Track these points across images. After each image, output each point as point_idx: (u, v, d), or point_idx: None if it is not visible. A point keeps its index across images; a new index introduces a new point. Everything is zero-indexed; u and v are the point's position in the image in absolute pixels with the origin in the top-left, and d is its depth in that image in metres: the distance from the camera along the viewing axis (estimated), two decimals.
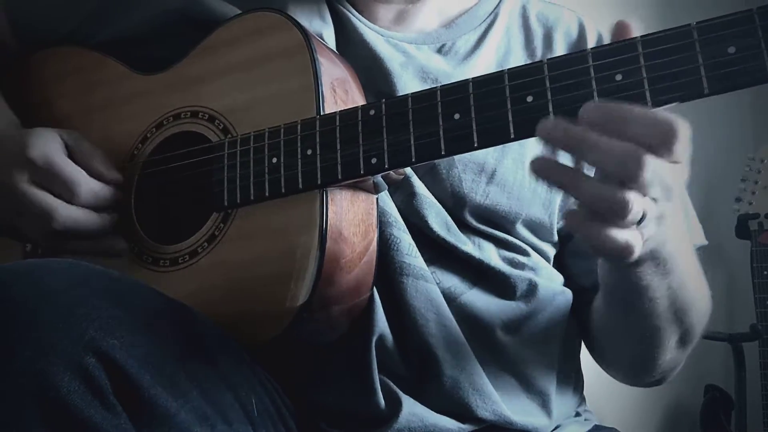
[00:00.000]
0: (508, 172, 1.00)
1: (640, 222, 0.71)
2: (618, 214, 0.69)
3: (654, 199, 0.71)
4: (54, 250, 1.00)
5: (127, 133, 1.03)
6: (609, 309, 0.99)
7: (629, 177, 0.68)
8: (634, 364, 1.07)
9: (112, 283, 0.75)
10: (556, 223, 1.06)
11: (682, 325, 0.96)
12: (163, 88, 1.02)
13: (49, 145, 0.97)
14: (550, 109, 0.75)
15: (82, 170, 0.97)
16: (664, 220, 0.75)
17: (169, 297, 0.80)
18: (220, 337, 0.83)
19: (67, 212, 0.94)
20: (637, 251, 0.72)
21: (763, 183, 2.52)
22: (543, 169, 0.72)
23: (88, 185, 0.96)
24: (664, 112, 0.70)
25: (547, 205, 1.03)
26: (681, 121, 0.68)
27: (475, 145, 0.80)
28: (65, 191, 0.95)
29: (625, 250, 0.71)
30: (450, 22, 1.09)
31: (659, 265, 0.84)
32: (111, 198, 0.98)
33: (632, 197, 0.68)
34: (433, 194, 0.98)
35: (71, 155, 0.98)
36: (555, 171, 0.72)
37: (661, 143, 0.67)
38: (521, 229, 1.03)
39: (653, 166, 0.68)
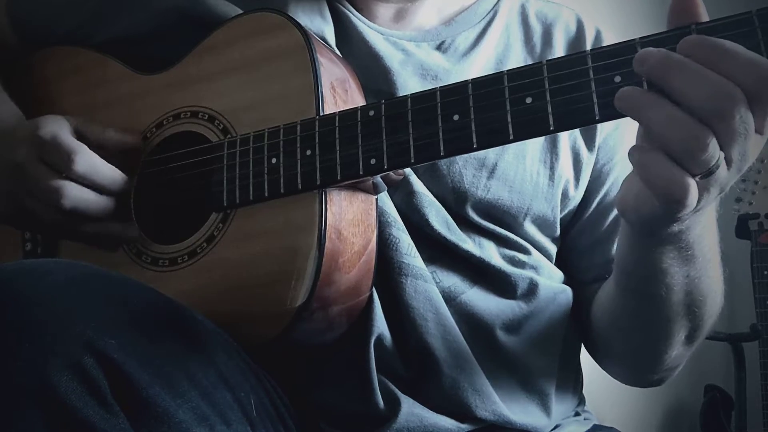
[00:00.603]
0: (509, 167, 1.00)
1: (706, 176, 0.67)
2: (691, 151, 0.65)
3: (728, 162, 0.68)
4: (61, 235, 1.00)
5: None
6: (621, 295, 0.97)
7: (717, 112, 0.64)
8: (638, 359, 1.06)
9: (111, 283, 0.75)
10: (559, 217, 1.06)
11: (694, 320, 0.94)
12: (163, 88, 1.02)
13: (57, 124, 0.97)
14: (550, 110, 0.75)
15: (83, 144, 0.96)
16: (719, 193, 0.72)
17: (168, 297, 0.80)
18: (219, 337, 0.82)
19: (75, 191, 0.94)
20: (693, 202, 0.68)
21: (763, 183, 2.52)
22: (624, 96, 0.69)
23: (85, 155, 0.95)
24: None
25: (549, 198, 1.03)
26: None
27: (475, 146, 0.80)
28: (63, 161, 0.94)
29: (683, 193, 0.67)
30: (449, 19, 1.09)
31: (682, 250, 0.82)
32: (111, 175, 0.97)
33: (712, 139, 0.65)
34: (433, 192, 0.98)
35: (81, 137, 0.99)
36: (634, 94, 0.68)
37: (761, 88, 0.64)
38: (526, 225, 1.03)
39: (743, 114, 0.65)
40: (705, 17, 0.70)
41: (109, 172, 0.97)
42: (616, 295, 0.98)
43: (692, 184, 0.67)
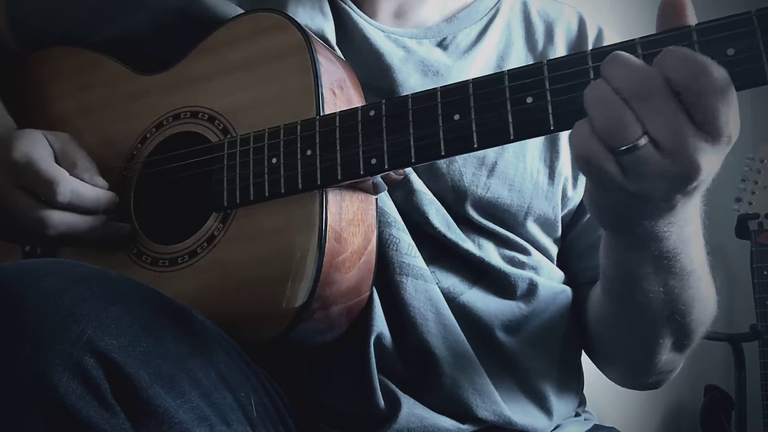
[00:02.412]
0: (508, 165, 1.00)
1: (627, 151, 0.70)
2: (609, 125, 0.69)
3: (656, 144, 0.70)
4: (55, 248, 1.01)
5: (127, 133, 1.03)
6: (606, 297, 0.98)
7: (634, 91, 0.68)
8: (629, 361, 1.06)
9: (111, 284, 0.75)
10: (560, 217, 1.06)
11: (679, 329, 0.94)
12: (163, 88, 1.02)
13: (31, 146, 0.96)
14: (550, 110, 0.75)
15: (63, 170, 0.96)
16: (685, 206, 0.75)
17: (169, 297, 0.80)
18: (219, 337, 0.82)
19: (59, 218, 0.95)
20: (615, 176, 0.71)
21: (763, 183, 2.52)
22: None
23: (68, 184, 0.95)
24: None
25: (550, 197, 1.03)
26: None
27: (475, 145, 0.80)
28: (45, 190, 0.94)
29: (597, 161, 0.70)
30: (451, 16, 1.09)
31: (657, 259, 0.83)
32: (96, 198, 0.97)
33: (627, 113, 0.69)
34: (432, 191, 0.98)
35: (57, 159, 0.98)
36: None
37: (683, 74, 0.67)
38: (528, 225, 1.03)
39: (661, 94, 0.68)
40: (693, 19, 0.72)
41: (92, 195, 0.97)
42: (602, 298, 0.99)
43: (595, 145, 0.70)
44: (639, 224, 0.77)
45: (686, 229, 0.82)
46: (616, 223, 0.80)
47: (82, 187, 0.96)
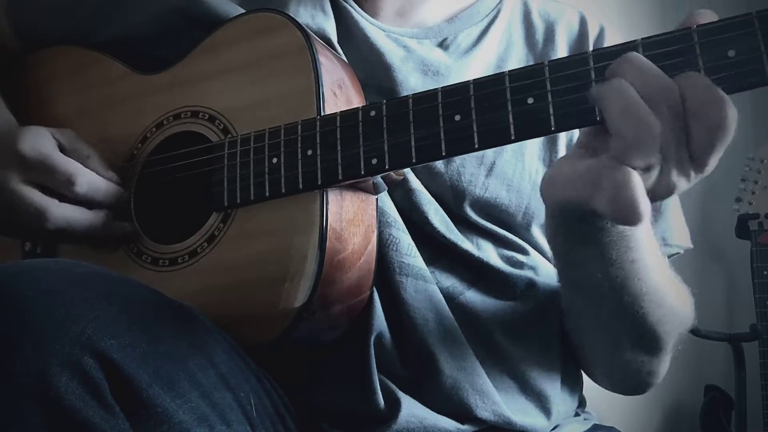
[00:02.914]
0: (507, 165, 1.00)
1: (646, 171, 0.69)
2: (643, 140, 0.67)
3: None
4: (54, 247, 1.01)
5: (127, 133, 1.03)
6: (564, 290, 0.98)
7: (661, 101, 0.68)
8: (595, 361, 1.06)
9: (111, 284, 0.75)
10: None
11: (633, 321, 0.91)
12: (164, 87, 1.02)
13: (40, 141, 0.97)
14: (551, 111, 0.75)
15: (75, 161, 0.97)
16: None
17: (168, 297, 0.80)
18: (219, 337, 0.82)
19: (59, 211, 0.95)
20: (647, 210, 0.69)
21: (763, 183, 2.52)
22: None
23: (85, 176, 0.96)
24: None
25: None
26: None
27: (476, 146, 0.80)
28: (62, 183, 0.95)
29: (640, 215, 0.68)
30: (452, 16, 1.09)
31: (597, 247, 0.82)
32: (109, 192, 0.98)
33: (660, 129, 0.67)
34: (431, 191, 0.98)
35: (66, 153, 0.98)
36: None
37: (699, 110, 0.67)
38: (527, 225, 1.03)
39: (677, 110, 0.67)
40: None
41: (108, 189, 0.98)
42: (562, 290, 0.99)
43: (646, 204, 0.68)
44: (591, 221, 0.77)
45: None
46: (571, 218, 0.79)
47: (98, 180, 0.97)
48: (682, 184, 0.71)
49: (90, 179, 0.96)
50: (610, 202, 0.69)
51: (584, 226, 0.79)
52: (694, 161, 0.69)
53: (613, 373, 1.06)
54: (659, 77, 0.69)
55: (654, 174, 0.70)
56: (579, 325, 1.01)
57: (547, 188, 0.78)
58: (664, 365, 1.02)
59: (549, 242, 0.91)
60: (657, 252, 0.91)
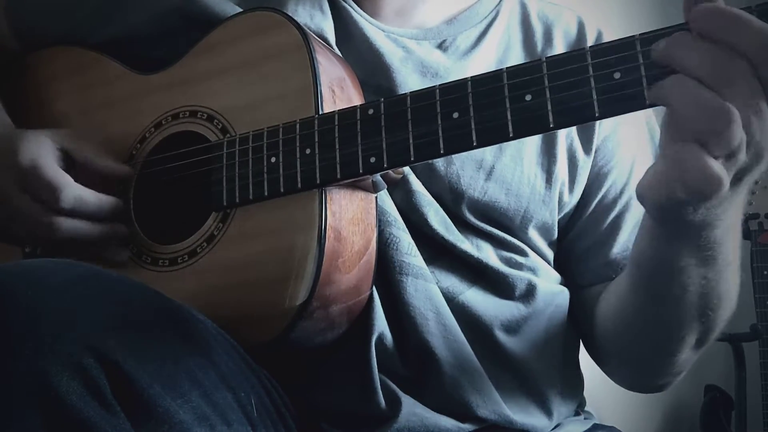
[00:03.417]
0: (506, 169, 1.00)
1: (729, 157, 0.67)
2: (718, 130, 0.65)
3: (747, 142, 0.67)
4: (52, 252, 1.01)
5: (126, 133, 1.03)
6: (634, 293, 0.95)
7: (728, 80, 0.64)
8: (645, 362, 1.05)
9: (111, 284, 0.75)
10: (557, 221, 1.06)
11: (707, 323, 0.92)
12: (162, 87, 1.02)
13: (37, 150, 0.96)
14: (549, 107, 0.75)
15: (68, 175, 0.96)
16: (738, 182, 0.71)
17: (168, 297, 0.80)
18: (219, 337, 0.82)
19: (67, 223, 0.95)
20: (727, 183, 0.67)
21: (763, 183, 2.52)
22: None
23: (72, 191, 0.95)
24: None
25: (547, 201, 1.03)
26: None
27: (474, 144, 0.80)
28: (48, 196, 0.94)
29: (718, 187, 0.66)
30: (451, 18, 1.09)
31: (701, 249, 0.80)
32: (99, 203, 0.97)
33: (736, 114, 0.64)
34: (431, 191, 0.98)
35: (70, 158, 0.98)
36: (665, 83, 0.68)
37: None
38: (525, 229, 1.03)
39: (751, 82, 0.65)
40: None
41: (96, 202, 0.97)
42: (628, 294, 0.96)
43: (725, 176, 0.67)
44: (696, 213, 0.73)
45: (734, 216, 0.79)
46: (670, 214, 0.75)
47: (86, 194, 0.96)
48: None
49: (76, 194, 0.95)
50: (685, 181, 0.67)
51: (682, 227, 0.77)
52: None
53: (652, 375, 1.06)
54: (718, 51, 0.66)
55: (742, 152, 0.67)
56: (636, 331, 0.99)
57: (642, 191, 0.74)
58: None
59: (637, 255, 0.89)
60: (739, 246, 0.88)
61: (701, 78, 0.66)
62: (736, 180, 0.71)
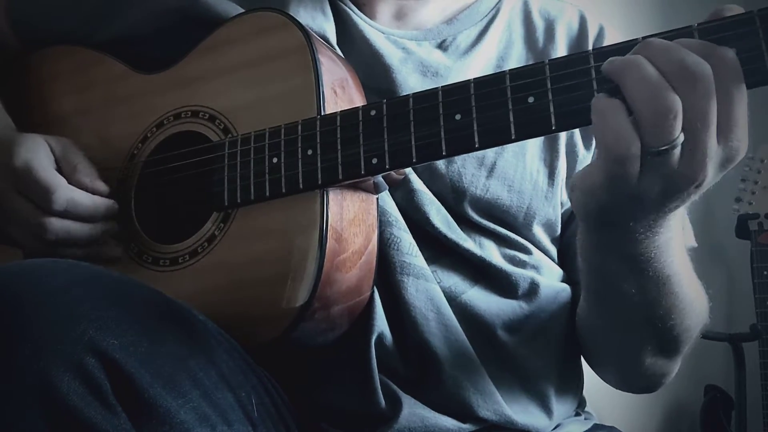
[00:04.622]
0: (508, 165, 1.00)
1: (660, 153, 0.69)
2: (655, 114, 0.67)
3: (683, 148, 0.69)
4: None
5: (128, 133, 1.03)
6: (587, 298, 0.97)
7: (688, 77, 0.67)
8: (617, 364, 1.06)
9: (112, 283, 0.75)
10: (560, 217, 1.06)
11: (661, 333, 0.93)
12: (164, 87, 1.02)
13: (31, 153, 0.96)
14: (552, 109, 0.75)
15: (61, 177, 0.96)
16: (666, 196, 0.73)
17: (170, 297, 0.80)
18: (220, 337, 0.82)
19: (60, 224, 0.95)
20: (633, 171, 0.70)
21: (763, 183, 2.52)
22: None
23: (64, 193, 0.95)
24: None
25: (550, 197, 1.03)
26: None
27: (476, 145, 0.80)
28: (41, 199, 0.95)
29: (626, 150, 0.69)
30: (451, 17, 1.09)
31: (631, 261, 0.82)
32: (92, 205, 0.97)
33: (678, 109, 0.67)
34: (432, 190, 0.98)
35: (58, 164, 0.98)
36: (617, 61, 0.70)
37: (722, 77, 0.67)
38: (528, 226, 1.03)
39: (708, 93, 0.67)
40: None
41: (89, 204, 0.97)
42: (584, 296, 0.98)
43: (636, 145, 0.69)
44: (620, 225, 0.77)
45: (661, 237, 0.80)
46: (597, 220, 0.79)
47: (79, 196, 0.96)
48: (713, 168, 0.70)
49: (69, 196, 0.95)
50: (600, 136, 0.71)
51: (614, 232, 0.78)
52: (724, 138, 0.69)
53: (628, 375, 1.06)
54: (690, 53, 0.68)
55: (676, 153, 0.69)
56: (599, 331, 1.01)
57: (570, 192, 0.78)
58: (677, 366, 1.02)
59: (580, 254, 0.90)
60: (688, 262, 0.91)
61: (665, 72, 0.68)
62: (674, 202, 0.73)
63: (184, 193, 0.99)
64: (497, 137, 0.79)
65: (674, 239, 0.83)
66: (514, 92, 0.78)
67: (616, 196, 0.73)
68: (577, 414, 1.11)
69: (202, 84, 0.99)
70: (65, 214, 0.95)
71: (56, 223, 0.95)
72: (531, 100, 0.77)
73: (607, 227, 0.79)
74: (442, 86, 0.83)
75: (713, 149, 0.69)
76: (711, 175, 0.71)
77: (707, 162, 0.69)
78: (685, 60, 0.67)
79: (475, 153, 0.97)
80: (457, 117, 0.81)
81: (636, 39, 0.73)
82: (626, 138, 0.69)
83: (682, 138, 0.68)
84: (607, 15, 1.23)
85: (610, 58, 0.71)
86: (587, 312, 1.00)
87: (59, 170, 0.98)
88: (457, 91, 0.81)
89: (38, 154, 0.97)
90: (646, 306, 0.88)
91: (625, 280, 0.85)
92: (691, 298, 0.92)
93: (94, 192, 0.98)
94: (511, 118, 0.78)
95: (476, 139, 0.80)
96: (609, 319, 0.96)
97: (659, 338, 0.94)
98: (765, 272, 2.45)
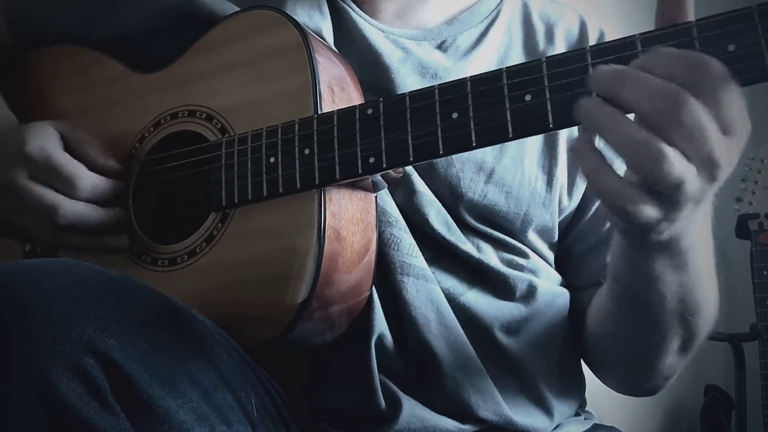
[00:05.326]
0: (506, 171, 1.00)
1: (673, 195, 0.68)
2: (650, 169, 0.66)
3: (698, 170, 0.68)
4: (54, 247, 1.00)
5: (125, 133, 1.03)
6: (614, 302, 0.96)
7: (666, 114, 0.65)
8: (631, 367, 1.05)
9: (111, 283, 0.75)
10: (557, 223, 1.05)
11: (687, 328, 0.93)
12: (161, 86, 1.02)
13: (45, 139, 0.97)
14: (549, 107, 0.75)
15: (81, 163, 0.97)
16: (699, 204, 0.72)
17: (169, 297, 0.80)
18: (219, 337, 0.82)
19: (71, 207, 0.95)
20: (652, 219, 0.69)
21: (763, 183, 2.52)
22: (584, 110, 0.70)
23: (88, 178, 0.96)
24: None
25: (547, 204, 1.02)
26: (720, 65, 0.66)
27: (474, 144, 0.80)
28: (66, 185, 0.95)
29: (637, 214, 0.68)
30: (452, 18, 1.09)
31: (674, 257, 0.82)
32: (112, 190, 0.98)
33: (670, 150, 0.66)
34: (432, 192, 0.98)
35: (67, 146, 0.99)
36: (591, 109, 0.70)
37: (699, 79, 0.66)
38: (526, 232, 1.02)
39: (693, 111, 0.65)
40: (692, 13, 0.71)
41: (110, 190, 0.98)
42: (609, 302, 0.98)
43: (647, 202, 0.68)
44: (664, 231, 0.76)
45: (701, 225, 0.80)
46: (640, 234, 0.78)
47: (100, 181, 0.97)
48: (726, 155, 0.69)
49: (92, 181, 0.97)
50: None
51: (666, 240, 0.78)
52: (724, 127, 0.68)
53: (638, 379, 1.06)
54: (660, 89, 0.67)
55: (685, 185, 0.68)
56: (620, 336, 1.00)
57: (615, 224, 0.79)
58: (684, 364, 1.02)
59: (612, 266, 0.91)
60: (712, 252, 0.90)
61: (643, 115, 0.67)
62: (708, 194, 0.72)
63: (181, 193, 0.99)
64: (494, 136, 0.79)
65: (708, 228, 0.84)
66: (511, 90, 0.77)
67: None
68: (578, 414, 1.10)
69: (198, 83, 0.99)
70: (88, 200, 0.96)
71: (68, 206, 0.95)
72: (528, 98, 0.76)
73: (652, 236, 0.77)
74: (438, 84, 0.83)
75: (721, 147, 0.68)
76: (727, 162, 0.69)
77: (719, 158, 0.68)
78: (655, 97, 0.66)
79: (474, 158, 0.97)
80: (454, 115, 0.81)
81: (633, 36, 0.72)
82: (619, 190, 0.69)
83: (689, 172, 0.67)
84: (606, 15, 1.23)
85: (585, 111, 0.70)
86: (610, 319, 1.00)
87: (71, 153, 0.98)
88: (454, 89, 0.81)
89: (51, 139, 0.98)
90: (681, 302, 0.88)
91: (667, 278, 0.85)
92: (714, 291, 0.93)
93: (108, 170, 0.99)
94: (509, 117, 0.77)
95: (473, 138, 0.79)
96: (639, 323, 0.95)
97: (686, 334, 0.94)
98: (765, 272, 2.45)
